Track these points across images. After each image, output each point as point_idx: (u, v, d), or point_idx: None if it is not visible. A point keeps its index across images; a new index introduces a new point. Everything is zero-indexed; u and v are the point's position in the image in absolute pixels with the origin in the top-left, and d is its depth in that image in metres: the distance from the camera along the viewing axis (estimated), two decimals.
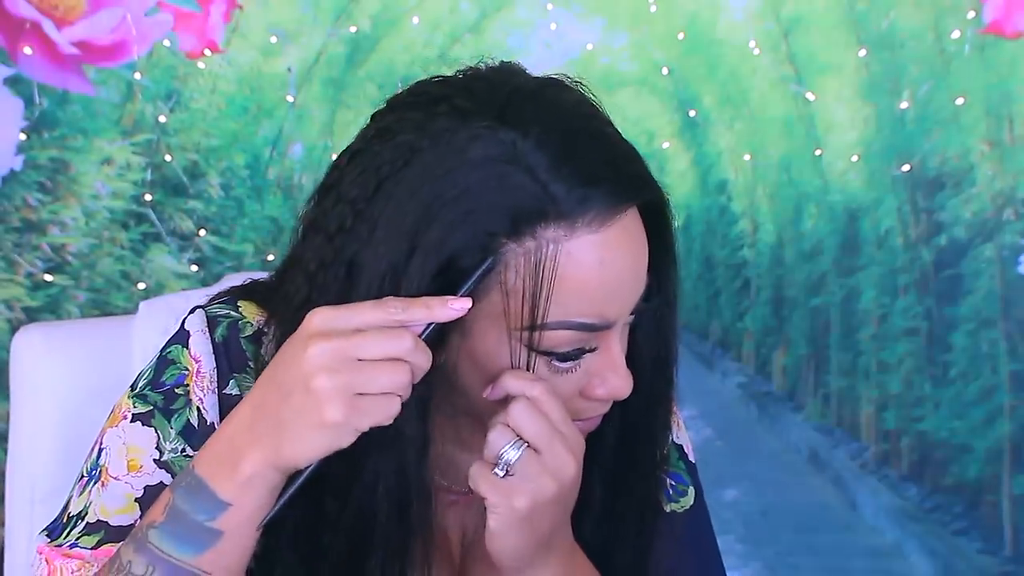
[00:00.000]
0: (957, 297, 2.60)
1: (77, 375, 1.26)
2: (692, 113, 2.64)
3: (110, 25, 2.43)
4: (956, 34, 2.55)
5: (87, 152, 2.46)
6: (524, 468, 0.91)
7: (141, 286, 2.49)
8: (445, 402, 0.98)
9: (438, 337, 0.92)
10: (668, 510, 1.12)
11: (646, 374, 1.00)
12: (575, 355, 0.94)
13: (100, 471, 1.01)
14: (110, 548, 0.97)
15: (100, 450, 1.02)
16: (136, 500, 0.99)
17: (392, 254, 0.90)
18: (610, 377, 0.95)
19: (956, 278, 2.60)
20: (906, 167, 2.60)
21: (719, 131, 2.65)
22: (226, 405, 1.01)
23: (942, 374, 2.62)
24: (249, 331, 1.03)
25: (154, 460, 1.00)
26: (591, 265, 0.91)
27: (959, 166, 2.59)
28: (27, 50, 2.41)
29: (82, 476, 1.03)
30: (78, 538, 0.99)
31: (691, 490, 1.14)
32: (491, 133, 0.90)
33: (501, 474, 0.91)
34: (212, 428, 1.00)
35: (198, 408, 1.01)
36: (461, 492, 1.06)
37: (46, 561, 0.99)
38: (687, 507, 1.13)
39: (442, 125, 0.91)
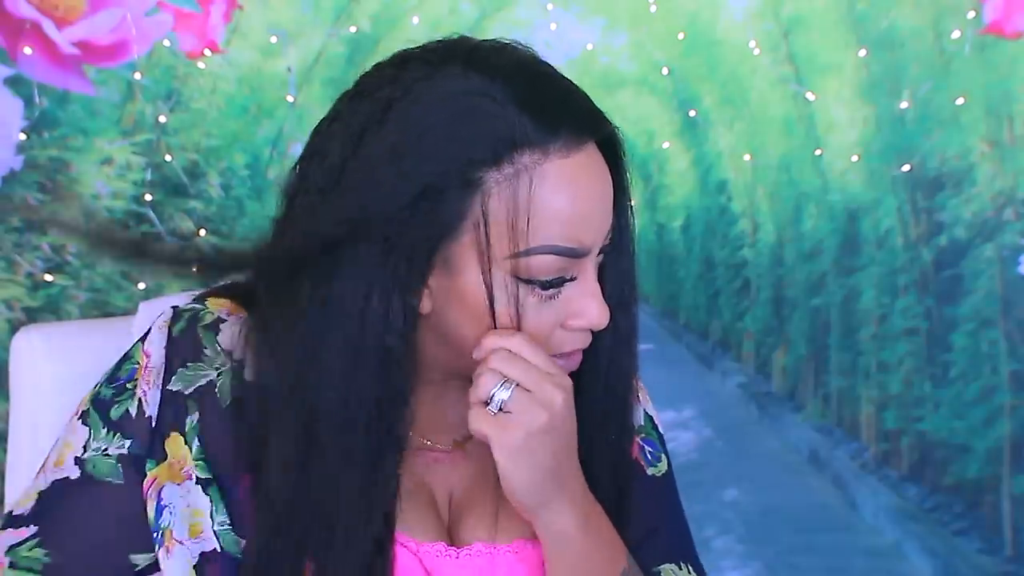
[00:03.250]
0: (957, 297, 2.60)
1: (76, 376, 1.26)
2: (692, 113, 2.64)
3: (110, 25, 2.43)
4: (956, 34, 2.55)
5: (87, 152, 2.46)
6: (516, 404, 0.97)
7: (141, 286, 2.49)
8: (430, 360, 1.03)
9: (419, 281, 0.98)
10: (649, 474, 1.17)
11: (613, 315, 1.05)
12: (557, 282, 1.00)
13: (44, 461, 1.07)
14: (1, 534, 1.04)
15: (56, 441, 1.08)
16: (39, 493, 1.04)
17: (381, 194, 0.96)
18: (588, 307, 1.02)
19: (956, 278, 2.60)
20: (906, 167, 2.60)
21: (719, 131, 2.65)
22: (167, 401, 1.04)
23: (942, 374, 2.62)
24: (208, 319, 1.07)
25: (75, 457, 1.04)
26: (565, 188, 0.98)
27: (959, 166, 2.59)
28: (27, 50, 2.41)
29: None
30: None
31: (664, 457, 1.20)
32: (462, 74, 0.97)
33: (494, 411, 0.98)
34: (148, 421, 1.04)
35: (139, 400, 1.05)
36: (444, 451, 1.10)
37: None
38: (663, 472, 1.19)
39: (414, 75, 0.98)
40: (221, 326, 1.06)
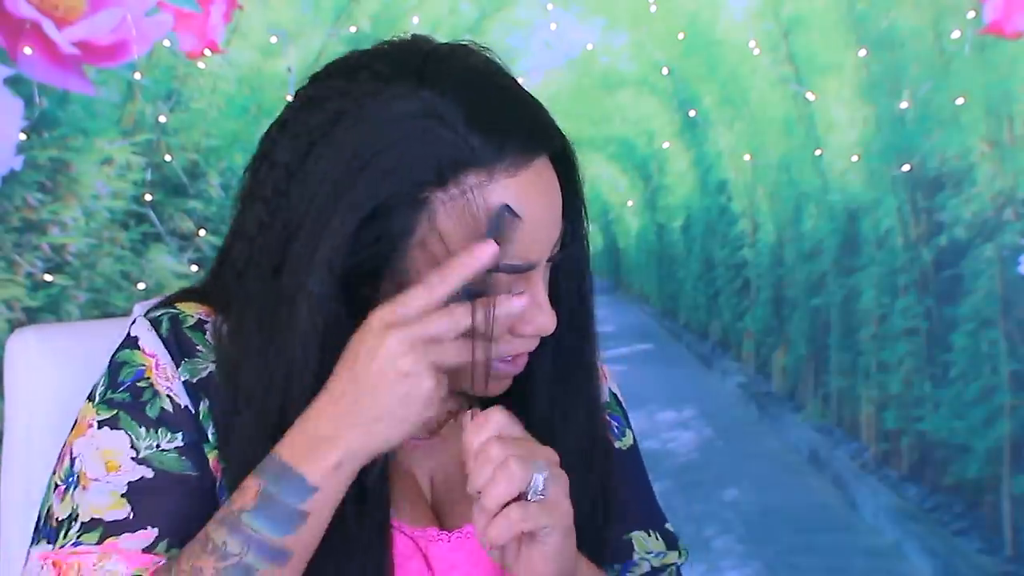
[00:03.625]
0: (957, 297, 2.60)
1: (72, 377, 1.26)
2: (692, 113, 2.64)
3: (110, 25, 2.43)
4: (956, 34, 2.55)
5: (87, 152, 2.46)
6: (550, 481, 0.98)
7: (141, 286, 2.49)
8: None
9: (369, 294, 0.99)
10: (617, 446, 1.20)
11: (570, 306, 1.08)
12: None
13: (78, 476, 1.03)
14: (114, 541, 1.00)
15: (72, 459, 1.04)
16: (122, 496, 1.02)
17: (325, 209, 0.98)
18: (536, 315, 1.03)
19: (956, 278, 2.60)
20: (906, 167, 2.60)
21: (719, 131, 2.65)
22: (187, 390, 1.05)
23: (942, 374, 2.62)
24: (190, 322, 1.08)
25: (132, 459, 1.03)
26: (512, 206, 0.99)
27: (959, 166, 2.59)
28: (27, 50, 2.41)
29: (56, 485, 1.05)
30: (79, 536, 1.01)
31: (629, 432, 1.23)
32: (411, 92, 0.98)
33: (541, 498, 0.97)
34: (187, 411, 1.04)
35: (168, 396, 1.04)
36: (423, 438, 1.12)
37: (53, 565, 1.01)
38: (628, 446, 1.22)
39: (365, 89, 0.99)
40: (205, 327, 1.08)
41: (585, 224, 1.09)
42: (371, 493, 1.03)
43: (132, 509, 1.01)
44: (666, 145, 2.65)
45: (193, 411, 1.04)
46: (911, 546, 2.64)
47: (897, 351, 2.63)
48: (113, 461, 1.03)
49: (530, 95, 1.03)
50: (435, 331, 0.95)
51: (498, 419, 0.98)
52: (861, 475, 2.66)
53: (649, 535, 1.19)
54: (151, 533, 1.01)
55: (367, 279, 1.00)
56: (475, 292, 0.98)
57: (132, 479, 1.02)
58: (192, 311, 1.09)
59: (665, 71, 2.62)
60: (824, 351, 2.67)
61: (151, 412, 1.04)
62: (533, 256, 1.01)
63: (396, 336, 0.94)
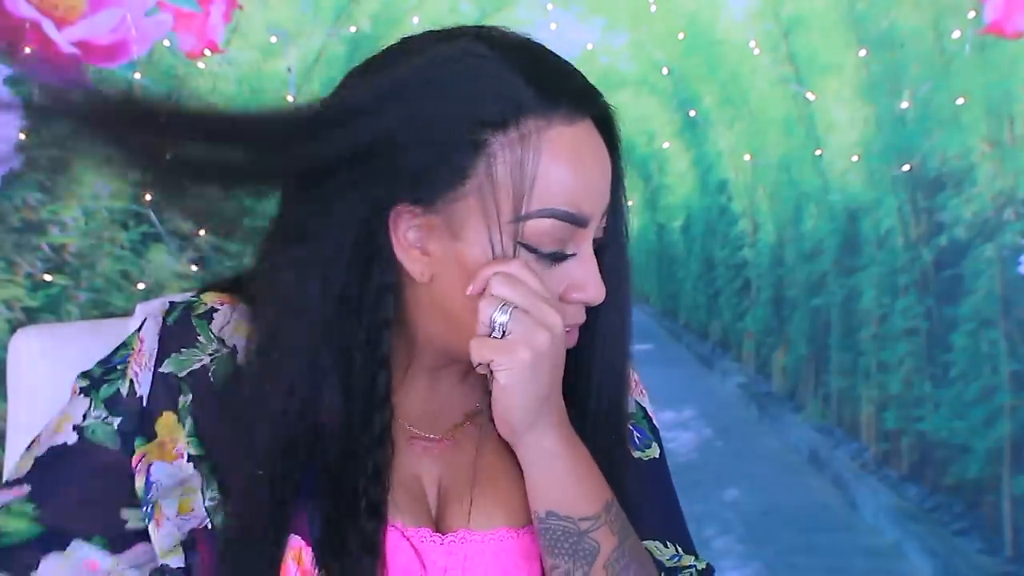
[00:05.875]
0: (957, 297, 2.60)
1: (73, 377, 1.27)
2: (692, 113, 2.64)
3: (110, 25, 2.43)
4: (956, 34, 2.54)
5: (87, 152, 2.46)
6: (517, 325, 0.99)
7: (141, 286, 2.48)
8: (424, 339, 1.05)
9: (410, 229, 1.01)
10: (635, 456, 1.20)
11: (608, 302, 1.08)
12: (557, 256, 1.03)
13: (40, 433, 1.09)
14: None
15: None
16: (35, 458, 1.06)
17: (385, 131, 0.98)
18: (587, 281, 1.04)
19: (956, 278, 2.60)
20: (906, 167, 2.60)
21: (719, 131, 2.65)
22: (159, 382, 1.07)
23: (942, 374, 2.62)
24: (201, 310, 1.09)
25: (74, 426, 1.06)
26: (567, 154, 1.01)
27: (959, 166, 2.59)
28: (27, 50, 2.41)
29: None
30: None
31: (655, 445, 1.23)
32: (471, 42, 1.04)
33: (499, 336, 0.99)
34: (139, 401, 1.06)
35: (131, 380, 1.07)
36: (434, 439, 1.13)
37: None
38: (652, 457, 1.22)
39: (424, 43, 1.05)
40: (214, 314, 1.09)
41: (624, 208, 1.10)
42: (370, 493, 1.03)
43: (31, 470, 1.05)
44: (666, 145, 2.65)
45: (145, 403, 1.06)
46: (911, 546, 2.64)
47: (897, 351, 2.63)
48: (60, 426, 1.07)
49: (576, 68, 1.07)
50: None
51: (517, 262, 1.00)
52: (861, 475, 2.66)
53: (666, 546, 1.17)
54: (21, 490, 1.05)
55: (412, 223, 1.01)
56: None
57: (55, 444, 1.06)
58: (211, 300, 1.10)
59: (665, 71, 2.62)
60: (824, 351, 2.66)
61: (105, 392, 1.07)
62: (586, 209, 1.02)
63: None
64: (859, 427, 2.66)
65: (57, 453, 1.05)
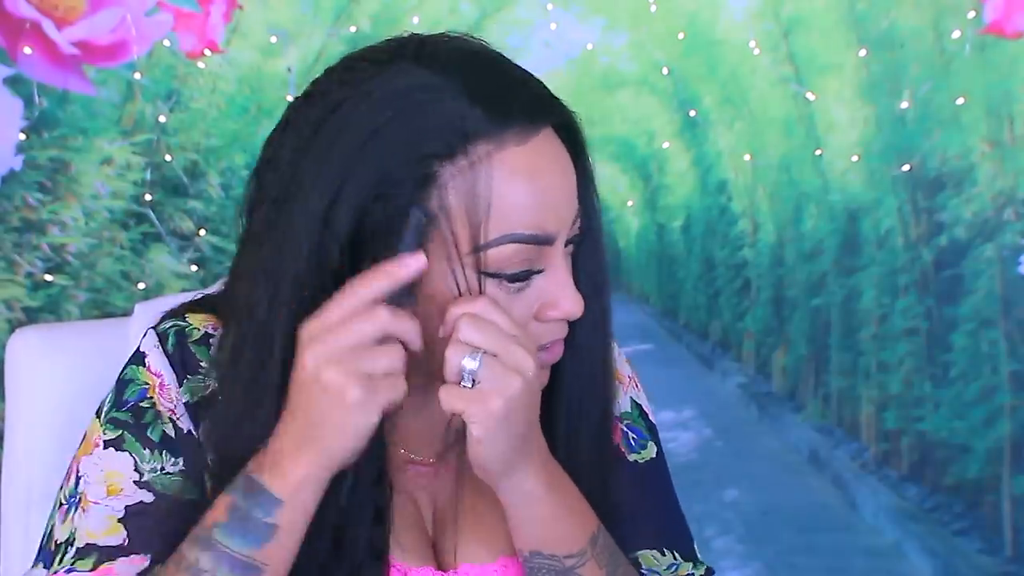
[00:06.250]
0: (957, 297, 2.60)
1: (73, 377, 1.27)
2: (692, 113, 2.64)
3: (110, 25, 2.43)
4: (956, 34, 2.54)
5: (87, 152, 2.46)
6: (488, 372, 0.94)
7: (141, 286, 2.49)
8: (411, 369, 1.00)
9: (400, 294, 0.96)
10: (631, 460, 1.16)
11: (586, 303, 1.03)
12: (523, 275, 0.98)
13: (79, 498, 1.03)
14: (108, 567, 1.00)
15: (77, 478, 1.04)
16: (119, 521, 1.01)
17: (331, 192, 0.95)
18: (562, 297, 0.99)
19: (956, 278, 2.60)
20: (906, 167, 2.60)
21: (719, 131, 2.65)
22: (190, 414, 1.04)
23: (942, 374, 2.62)
24: (196, 336, 1.06)
25: (134, 482, 1.02)
26: (523, 174, 0.96)
27: (959, 166, 2.59)
28: (27, 50, 2.41)
29: (61, 504, 1.05)
30: (73, 562, 1.00)
31: (652, 445, 1.18)
32: (411, 70, 0.97)
33: (469, 385, 0.95)
34: (190, 436, 1.03)
35: (171, 419, 1.04)
36: (428, 463, 1.10)
37: None
38: (648, 459, 1.17)
39: (363, 75, 0.98)
40: (211, 340, 1.06)
41: (597, 206, 1.05)
42: (373, 530, 1.01)
43: (128, 534, 1.00)
44: (666, 145, 2.65)
45: (195, 435, 1.03)
46: (911, 546, 2.64)
47: (897, 351, 2.63)
48: (115, 484, 1.02)
49: (529, 72, 1.01)
50: (353, 340, 0.92)
51: (483, 301, 0.96)
52: (861, 475, 2.66)
53: (663, 554, 1.13)
54: (144, 559, 1.00)
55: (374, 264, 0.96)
56: (400, 299, 0.94)
57: (130, 503, 1.01)
58: (200, 323, 1.07)
59: (665, 71, 2.62)
60: (824, 351, 2.66)
61: (153, 435, 1.03)
62: (550, 227, 0.98)
63: (311, 350, 0.92)
64: (859, 427, 2.66)
65: (142, 511, 1.01)
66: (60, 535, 1.02)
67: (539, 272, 0.99)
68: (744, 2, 2.59)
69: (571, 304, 1.00)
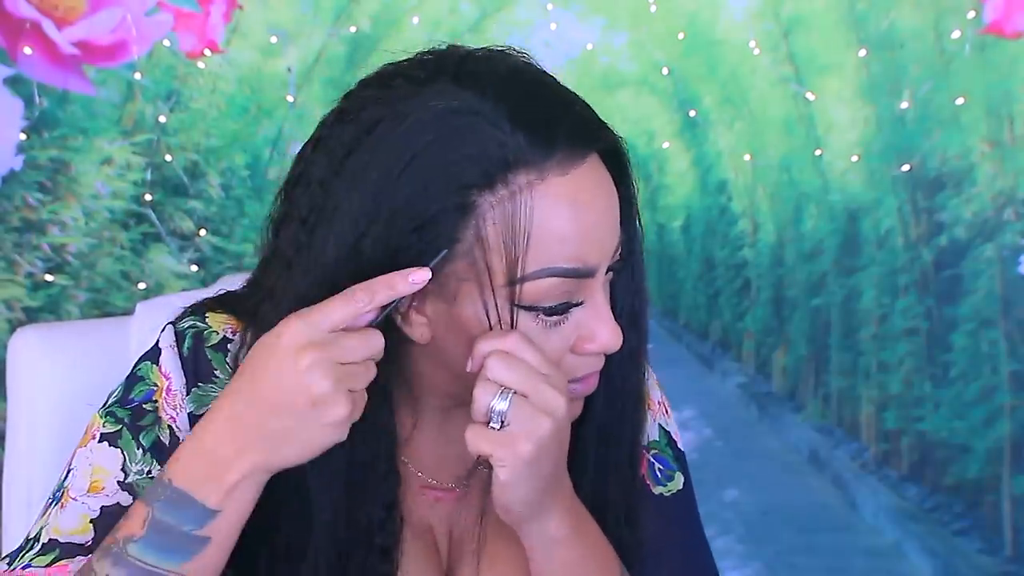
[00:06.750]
0: (957, 297, 2.60)
1: (74, 376, 1.27)
2: (692, 113, 2.64)
3: (110, 25, 2.43)
4: (956, 34, 2.54)
5: (87, 152, 2.46)
6: (517, 413, 0.91)
7: (141, 286, 2.49)
8: (429, 386, 0.99)
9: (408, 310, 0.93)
10: (656, 492, 1.13)
11: (624, 332, 0.99)
12: (561, 308, 0.95)
13: (62, 493, 1.01)
14: (64, 564, 0.97)
15: (68, 471, 1.02)
16: (91, 521, 0.99)
17: (364, 220, 0.91)
18: (599, 330, 0.96)
19: (956, 278, 2.60)
20: (906, 167, 2.60)
21: (719, 131, 2.65)
22: (192, 425, 1.01)
23: (942, 374, 2.62)
24: (214, 340, 1.03)
25: (118, 482, 1.00)
26: (565, 207, 0.92)
27: (959, 166, 2.59)
28: (27, 50, 2.41)
29: (50, 497, 1.03)
30: (32, 559, 0.99)
31: (679, 475, 1.15)
32: (450, 92, 0.92)
33: (497, 427, 0.91)
34: None
35: (169, 427, 1.02)
36: (447, 488, 1.07)
37: None
38: (675, 491, 1.14)
39: (400, 94, 0.93)
40: (229, 346, 1.03)
41: (640, 233, 1.01)
42: (382, 552, 0.99)
43: (95, 535, 0.98)
44: (666, 145, 2.65)
45: None
46: (911, 546, 2.64)
47: (897, 351, 2.63)
48: (99, 481, 1.00)
49: (575, 94, 0.96)
50: (351, 355, 0.89)
51: (515, 337, 0.92)
52: (861, 475, 2.66)
53: None
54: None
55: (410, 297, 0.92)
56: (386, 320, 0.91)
57: (107, 504, 0.99)
58: (219, 326, 1.04)
59: (665, 71, 2.62)
60: (824, 351, 2.66)
61: (145, 440, 1.01)
62: (592, 260, 0.94)
63: (311, 358, 0.87)
64: (859, 427, 2.66)
65: (113, 514, 0.97)
66: (33, 529, 1.01)
67: (578, 304, 0.95)
68: (744, 2, 2.58)
69: (609, 338, 0.96)
